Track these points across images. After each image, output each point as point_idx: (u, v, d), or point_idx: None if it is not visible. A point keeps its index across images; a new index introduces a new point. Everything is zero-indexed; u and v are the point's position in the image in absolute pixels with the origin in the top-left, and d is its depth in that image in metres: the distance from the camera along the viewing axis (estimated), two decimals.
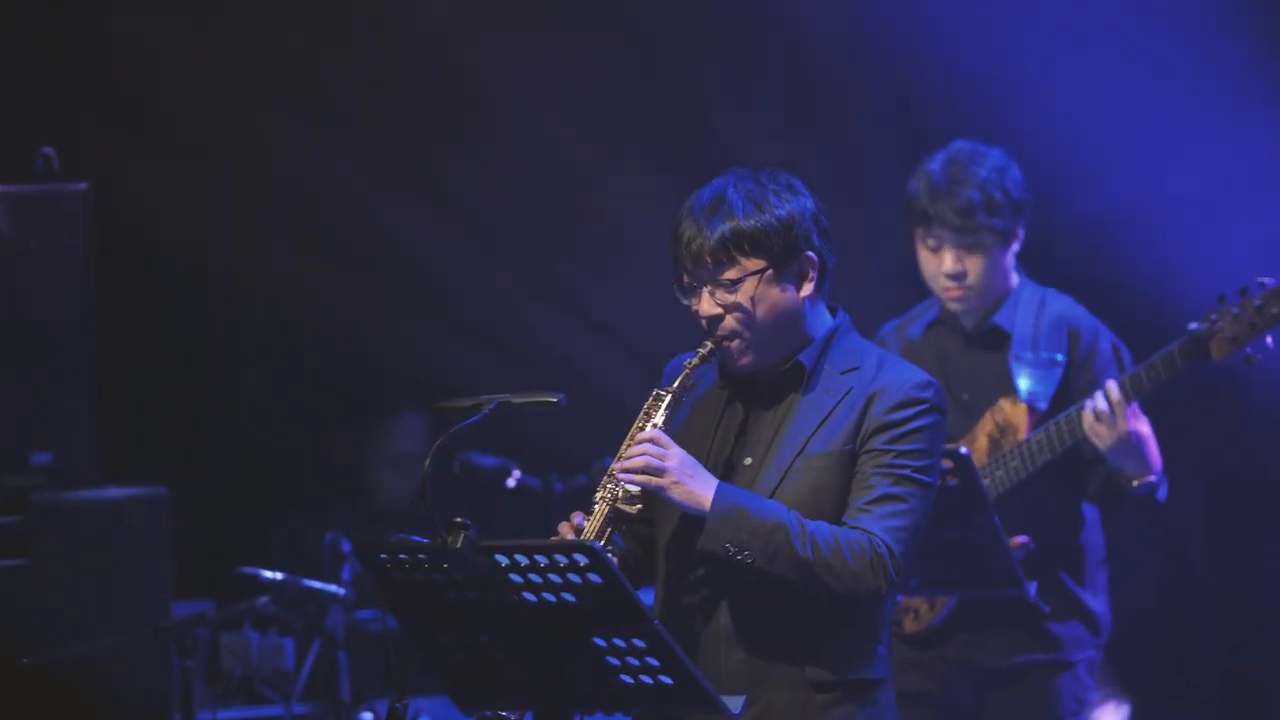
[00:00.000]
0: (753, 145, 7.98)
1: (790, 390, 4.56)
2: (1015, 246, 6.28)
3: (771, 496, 4.44)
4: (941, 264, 6.24)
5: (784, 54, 8.32)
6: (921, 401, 4.48)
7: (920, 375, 4.53)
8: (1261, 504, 7.68)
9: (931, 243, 6.25)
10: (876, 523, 4.38)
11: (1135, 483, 6.06)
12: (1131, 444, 5.99)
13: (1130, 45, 7.45)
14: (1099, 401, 5.99)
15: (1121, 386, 6.01)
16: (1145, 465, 6.04)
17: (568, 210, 8.39)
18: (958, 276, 6.23)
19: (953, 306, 6.33)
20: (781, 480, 4.47)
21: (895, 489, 4.42)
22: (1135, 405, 6.00)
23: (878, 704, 4.49)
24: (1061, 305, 6.34)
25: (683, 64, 8.36)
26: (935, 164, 6.26)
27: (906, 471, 4.43)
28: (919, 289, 6.45)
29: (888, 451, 4.44)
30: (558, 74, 8.34)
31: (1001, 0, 7.68)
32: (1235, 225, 7.09)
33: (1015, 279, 6.32)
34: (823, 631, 4.45)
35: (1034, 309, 6.32)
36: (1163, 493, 6.11)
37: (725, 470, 4.54)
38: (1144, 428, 6.02)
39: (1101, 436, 5.99)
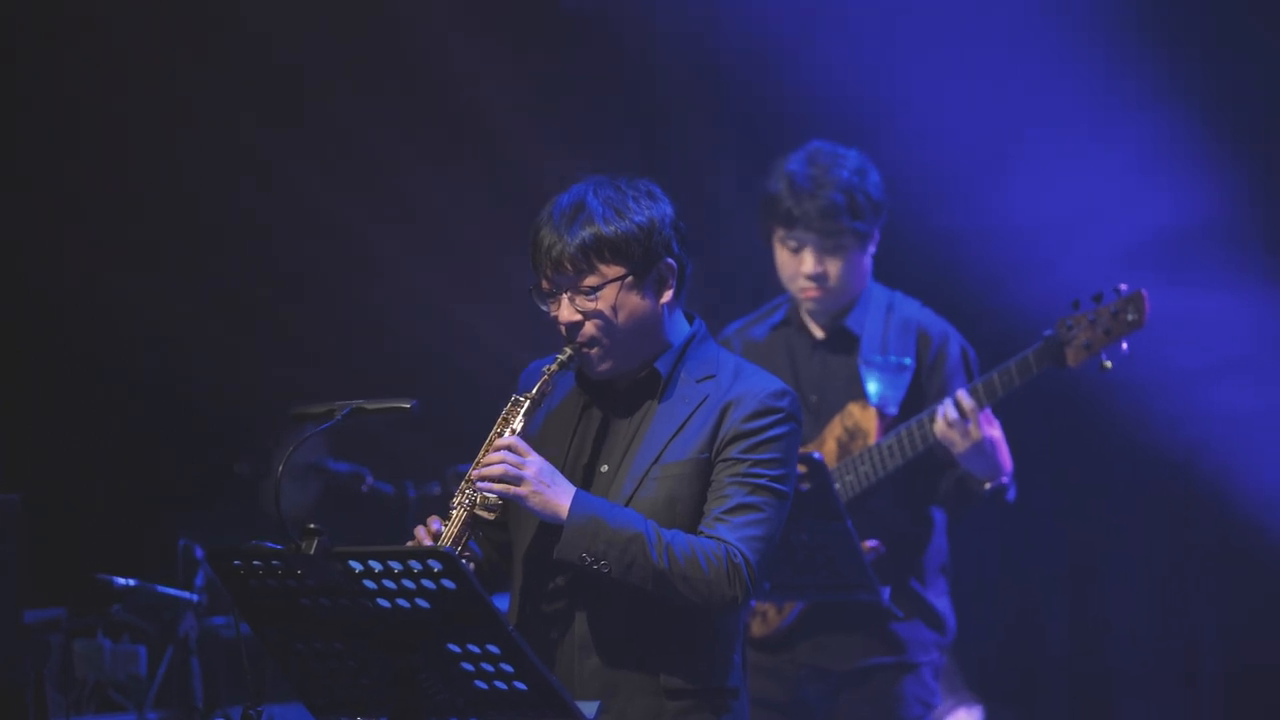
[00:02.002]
0: (603, 157, 7.98)
1: (647, 397, 4.58)
2: (872, 249, 6.33)
3: (627, 504, 4.45)
4: (801, 265, 6.27)
5: (636, 59, 8.33)
6: (777, 411, 4.50)
7: (776, 384, 4.54)
8: (1110, 511, 7.77)
9: (793, 244, 6.27)
10: (733, 532, 4.40)
11: (987, 485, 6.12)
12: (984, 449, 6.05)
13: (988, 62, 7.50)
14: (949, 409, 6.05)
15: (974, 392, 6.07)
16: (997, 468, 6.11)
17: (422, 218, 8.37)
18: (818, 278, 6.27)
19: (808, 306, 6.36)
20: (637, 488, 4.49)
21: (751, 498, 4.44)
22: (988, 410, 6.07)
23: (731, 712, 4.52)
24: (910, 309, 6.39)
25: (525, 72, 8.37)
26: (796, 164, 6.28)
27: (763, 481, 4.45)
28: (758, 295, 6.48)
29: (743, 461, 4.46)
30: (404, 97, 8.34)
31: (858, 16, 7.73)
32: (1085, 240, 7.17)
33: (868, 281, 6.38)
34: (678, 640, 4.48)
35: (882, 312, 6.36)
36: (1012, 494, 6.19)
37: (582, 477, 4.55)
38: (996, 432, 6.09)
39: (954, 442, 6.05)
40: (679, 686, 4.47)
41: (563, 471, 4.51)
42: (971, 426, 6.03)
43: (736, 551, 4.38)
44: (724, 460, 4.48)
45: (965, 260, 7.49)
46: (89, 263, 8.18)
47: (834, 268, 6.27)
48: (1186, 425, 7.28)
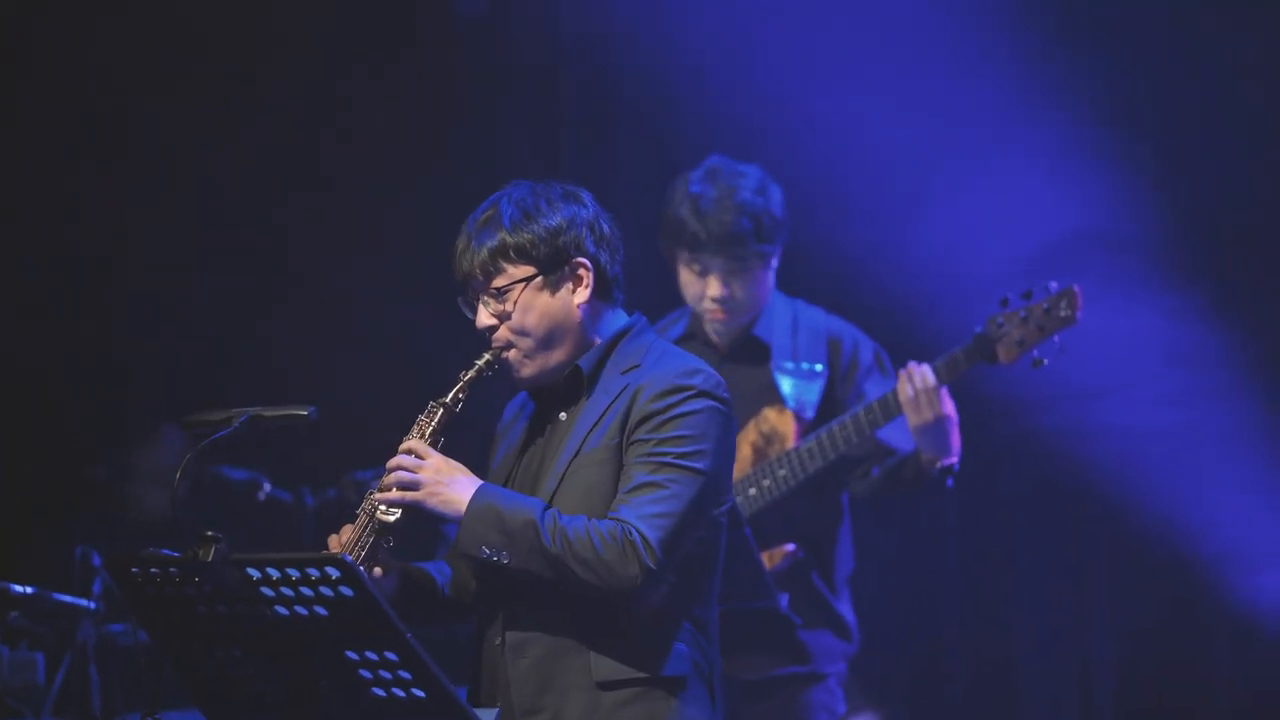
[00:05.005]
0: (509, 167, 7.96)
1: (577, 396, 4.58)
2: (775, 264, 6.34)
3: (550, 500, 4.44)
4: (707, 288, 6.25)
5: (537, 66, 8.32)
6: (686, 389, 4.46)
7: (689, 363, 4.52)
8: (1008, 526, 7.81)
9: (697, 267, 6.25)
10: (631, 511, 4.35)
11: (937, 464, 6.12)
12: (943, 425, 6.05)
13: (887, 71, 7.52)
14: (914, 376, 6.04)
15: (899, 390, 6.09)
16: (948, 447, 6.10)
17: (332, 220, 8.33)
18: (724, 301, 6.27)
19: (714, 327, 6.36)
20: (559, 485, 4.48)
21: (654, 477, 4.39)
22: (944, 390, 6.07)
23: (679, 700, 4.44)
24: (816, 316, 6.40)
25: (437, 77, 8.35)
26: (698, 186, 6.25)
27: (667, 459, 4.40)
28: (662, 307, 6.49)
29: (649, 441, 4.42)
30: (336, 94, 8.29)
31: (756, 22, 7.74)
32: (974, 258, 7.20)
33: (771, 295, 6.39)
34: (607, 629, 4.42)
35: (788, 320, 6.38)
36: (950, 481, 6.19)
37: (533, 484, 4.55)
38: (952, 411, 6.10)
39: (920, 412, 6.05)
40: (612, 677, 4.41)
41: (519, 479, 4.56)
42: (934, 399, 6.03)
43: (632, 529, 4.32)
44: (633, 443, 4.45)
45: (867, 280, 7.47)
46: None
47: (740, 290, 6.26)
48: (1082, 440, 7.32)
